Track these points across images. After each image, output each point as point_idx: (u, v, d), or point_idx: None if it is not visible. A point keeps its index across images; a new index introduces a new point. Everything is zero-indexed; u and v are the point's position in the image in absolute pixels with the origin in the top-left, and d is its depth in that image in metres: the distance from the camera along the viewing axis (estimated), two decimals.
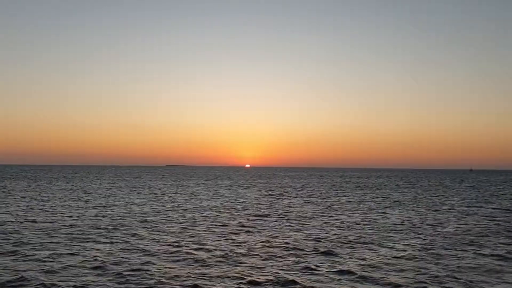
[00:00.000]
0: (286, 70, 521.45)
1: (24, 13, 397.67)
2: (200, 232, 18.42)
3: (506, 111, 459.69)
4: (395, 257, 13.91)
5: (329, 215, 25.45)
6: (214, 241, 16.40)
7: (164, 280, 10.84)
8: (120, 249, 14.65)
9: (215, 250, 14.67)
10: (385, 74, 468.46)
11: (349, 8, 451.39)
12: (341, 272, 12.03)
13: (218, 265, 12.58)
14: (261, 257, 13.72)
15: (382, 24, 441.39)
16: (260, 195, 43.02)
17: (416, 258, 13.86)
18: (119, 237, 16.91)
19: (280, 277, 11.32)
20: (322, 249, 14.92)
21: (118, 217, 23.05)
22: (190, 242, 15.98)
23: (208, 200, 35.82)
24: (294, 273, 11.74)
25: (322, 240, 16.75)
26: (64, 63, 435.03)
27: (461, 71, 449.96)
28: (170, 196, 39.37)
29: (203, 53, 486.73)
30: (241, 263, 12.92)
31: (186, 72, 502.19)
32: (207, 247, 15.15)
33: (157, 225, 20.30)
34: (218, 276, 11.33)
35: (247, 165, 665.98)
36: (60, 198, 35.43)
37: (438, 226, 21.33)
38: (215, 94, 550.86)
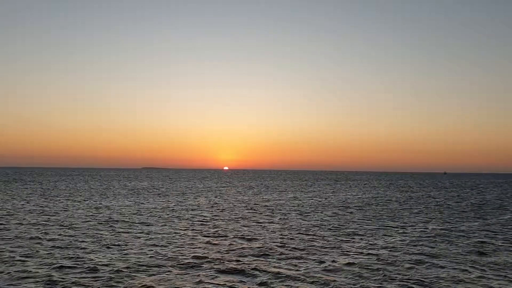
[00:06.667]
0: (268, 71, 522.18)
1: (22, 12, 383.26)
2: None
3: (482, 117, 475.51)
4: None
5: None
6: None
7: None
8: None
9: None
10: (370, 77, 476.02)
11: (343, 8, 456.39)
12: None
13: None
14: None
15: (372, 25, 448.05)
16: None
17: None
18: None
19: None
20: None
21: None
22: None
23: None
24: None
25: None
26: (43, 63, 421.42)
27: (442, 76, 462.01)
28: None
29: (182, 54, 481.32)
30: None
31: (164, 72, 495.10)
32: None
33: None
34: None
35: (225, 168, 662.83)
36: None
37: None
38: (193, 95, 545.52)
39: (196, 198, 41.67)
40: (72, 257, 14.04)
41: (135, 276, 11.85)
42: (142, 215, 26.66)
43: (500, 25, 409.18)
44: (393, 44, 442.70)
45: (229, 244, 16.80)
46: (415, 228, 22.13)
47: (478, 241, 18.59)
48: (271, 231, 20.31)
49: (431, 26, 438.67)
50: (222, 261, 13.83)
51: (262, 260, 13.97)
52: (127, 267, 12.75)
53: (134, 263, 13.29)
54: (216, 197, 44.24)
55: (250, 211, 30.20)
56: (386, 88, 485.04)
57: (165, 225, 22.16)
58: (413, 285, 11.34)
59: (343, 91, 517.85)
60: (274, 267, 13.08)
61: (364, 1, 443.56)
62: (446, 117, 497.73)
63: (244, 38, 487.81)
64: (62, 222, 22.76)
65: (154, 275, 11.97)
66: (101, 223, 22.38)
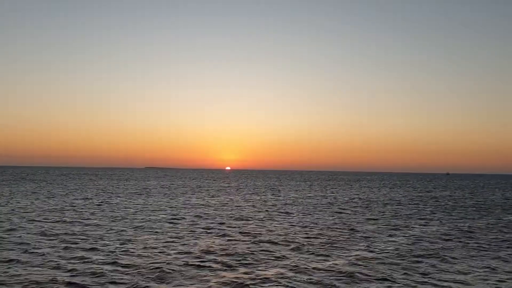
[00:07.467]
0: (268, 71, 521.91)
1: (22, 12, 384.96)
2: None
3: (482, 118, 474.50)
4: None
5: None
6: None
7: None
8: None
9: None
10: (370, 77, 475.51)
11: (343, 8, 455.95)
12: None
13: None
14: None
15: (372, 25, 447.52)
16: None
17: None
18: None
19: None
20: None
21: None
22: None
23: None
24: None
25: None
26: (43, 63, 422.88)
27: (442, 76, 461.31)
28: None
29: (182, 54, 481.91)
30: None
31: (164, 72, 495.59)
32: None
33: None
34: None
35: (228, 168, 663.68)
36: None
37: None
38: (193, 95, 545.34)
39: (204, 197, 42.35)
40: (92, 253, 14.71)
41: (151, 272, 12.49)
42: (157, 212, 27.33)
43: (500, 25, 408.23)
44: (393, 44, 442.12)
45: (238, 242, 17.39)
46: (421, 227, 22.69)
47: (483, 239, 19.15)
48: (280, 229, 20.92)
49: (431, 26, 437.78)
50: (233, 257, 14.38)
51: (270, 258, 14.53)
52: (144, 263, 13.41)
53: (150, 259, 13.93)
54: (222, 196, 44.91)
55: (258, 210, 30.84)
56: (386, 88, 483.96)
57: (177, 223, 22.82)
58: (420, 280, 11.95)
59: (343, 91, 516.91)
60: (283, 263, 13.66)
61: (364, 1, 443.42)
62: (446, 117, 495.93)
63: (244, 38, 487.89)
64: (82, 219, 23.46)
65: (170, 270, 12.61)
66: (116, 221, 23.03)
